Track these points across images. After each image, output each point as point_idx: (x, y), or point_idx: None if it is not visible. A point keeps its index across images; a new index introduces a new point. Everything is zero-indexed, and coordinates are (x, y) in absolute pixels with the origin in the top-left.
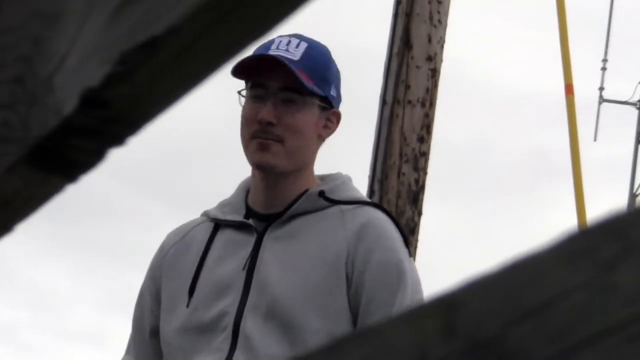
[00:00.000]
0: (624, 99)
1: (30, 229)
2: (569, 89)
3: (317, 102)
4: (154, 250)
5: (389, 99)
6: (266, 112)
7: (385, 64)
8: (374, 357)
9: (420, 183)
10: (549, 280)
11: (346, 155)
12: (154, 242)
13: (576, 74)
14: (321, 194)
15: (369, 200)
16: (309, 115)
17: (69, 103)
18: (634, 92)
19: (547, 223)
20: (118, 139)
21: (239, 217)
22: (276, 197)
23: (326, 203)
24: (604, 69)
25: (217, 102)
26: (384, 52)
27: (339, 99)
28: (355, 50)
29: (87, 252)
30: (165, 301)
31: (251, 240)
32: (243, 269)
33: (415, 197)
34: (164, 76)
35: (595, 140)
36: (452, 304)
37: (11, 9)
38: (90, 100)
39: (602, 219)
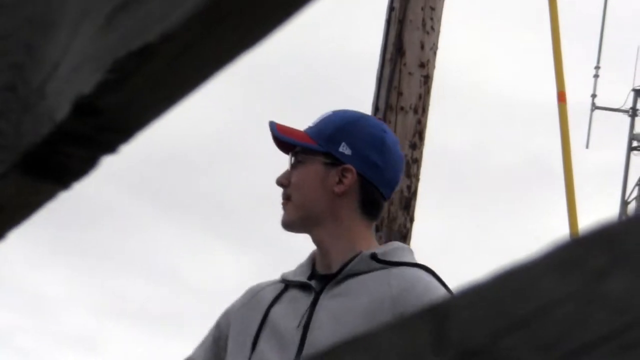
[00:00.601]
0: (616, 106)
1: (26, 234)
2: (561, 97)
3: (319, 158)
4: (150, 254)
5: (382, 105)
6: (280, 176)
7: (377, 70)
8: None
9: (413, 189)
10: (539, 289)
11: None
12: (149, 246)
13: (569, 81)
14: (373, 256)
15: (419, 263)
16: (309, 172)
17: (61, 110)
18: (626, 99)
19: (543, 229)
20: (111, 146)
21: (303, 278)
22: (331, 259)
23: (377, 265)
24: (596, 76)
25: (214, 107)
26: (377, 57)
27: (359, 156)
28: (349, 55)
29: (83, 256)
30: (231, 348)
31: (310, 298)
32: (298, 326)
33: (408, 204)
34: (157, 83)
35: (587, 147)
36: (443, 312)
37: (3, 15)
38: (83, 107)
39: (592, 229)
